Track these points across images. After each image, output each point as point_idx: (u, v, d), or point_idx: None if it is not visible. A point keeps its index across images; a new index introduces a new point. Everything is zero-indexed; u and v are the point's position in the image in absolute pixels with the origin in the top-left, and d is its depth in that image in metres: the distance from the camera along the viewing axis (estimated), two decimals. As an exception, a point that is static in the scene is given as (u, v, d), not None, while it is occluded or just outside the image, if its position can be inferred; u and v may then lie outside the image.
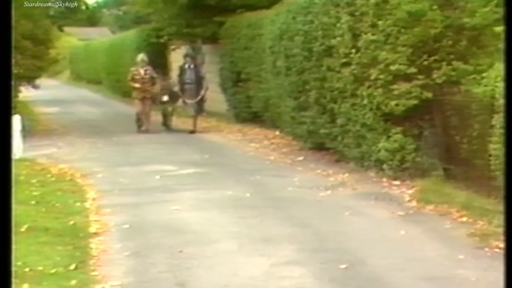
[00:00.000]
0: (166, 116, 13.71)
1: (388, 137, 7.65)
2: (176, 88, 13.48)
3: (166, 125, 13.68)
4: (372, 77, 7.64)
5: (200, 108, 13.29)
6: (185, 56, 13.69)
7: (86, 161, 10.00)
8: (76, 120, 16.66)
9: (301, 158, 9.69)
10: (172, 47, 17.45)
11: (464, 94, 6.77)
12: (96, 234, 5.86)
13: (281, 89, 10.65)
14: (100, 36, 37.39)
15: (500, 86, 5.63)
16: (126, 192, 7.67)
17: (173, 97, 13.50)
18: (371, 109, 7.82)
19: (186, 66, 13.32)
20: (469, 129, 6.63)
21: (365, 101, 7.86)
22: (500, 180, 5.58)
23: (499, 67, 5.83)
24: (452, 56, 7.19)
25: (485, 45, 6.88)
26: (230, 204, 6.93)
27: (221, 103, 14.69)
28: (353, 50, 7.92)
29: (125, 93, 23.63)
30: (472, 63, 6.91)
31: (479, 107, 6.37)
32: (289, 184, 7.84)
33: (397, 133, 7.60)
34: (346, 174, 8.23)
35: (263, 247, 5.35)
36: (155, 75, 13.72)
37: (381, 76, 7.52)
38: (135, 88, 13.54)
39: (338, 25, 8.27)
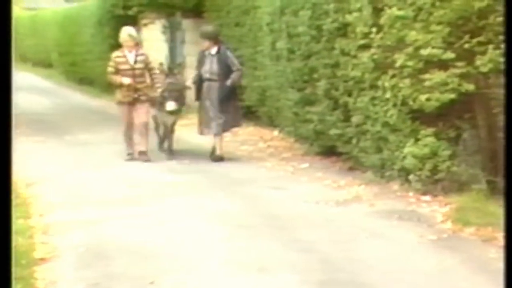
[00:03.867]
0: (166, 133, 10.64)
1: (417, 140, 7.66)
2: (188, 83, 10.76)
3: (168, 146, 10.62)
4: (398, 64, 7.64)
5: (231, 119, 10.36)
6: (202, 35, 10.51)
7: (32, 165, 9.95)
8: (18, 114, 16.47)
9: (305, 165, 9.70)
10: (144, 21, 17.43)
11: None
12: (43, 260, 5.83)
13: (282, 77, 10.65)
14: (51, 5, 37.34)
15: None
16: (83, 206, 7.66)
17: (182, 101, 10.47)
18: (395, 105, 7.83)
19: (206, 52, 10.34)
20: (521, 132, 6.63)
21: (388, 94, 7.87)
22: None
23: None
24: (501, 38, 7.18)
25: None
26: (216, 222, 6.92)
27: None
28: (374, 29, 7.93)
29: (82, 80, 23.78)
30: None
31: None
32: (290, 198, 7.86)
33: (428, 135, 7.61)
34: (362, 186, 8.25)
35: (258, 277, 5.34)
36: (151, 63, 10.57)
37: (409, 63, 7.52)
38: (121, 86, 10.26)
39: (356, -4, 8.28)
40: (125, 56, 10.29)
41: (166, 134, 10.58)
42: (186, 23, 15.95)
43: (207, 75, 10.20)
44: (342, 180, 8.63)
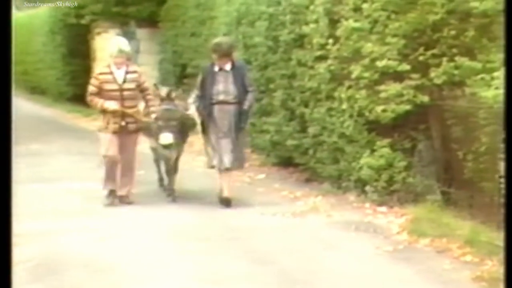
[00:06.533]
0: (169, 171, 8.48)
1: (373, 151, 7.73)
2: (191, 109, 8.31)
3: (168, 185, 8.57)
4: (354, 75, 7.71)
5: (238, 156, 8.25)
6: (215, 48, 8.17)
7: (-18, 176, 9.79)
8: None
9: (262, 176, 9.72)
10: (97, 30, 17.31)
11: (470, 99, 6.87)
12: (-8, 273, 5.72)
13: (238, 87, 10.65)
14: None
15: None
16: (34, 217, 7.55)
17: (184, 132, 8.34)
18: (351, 116, 7.89)
19: (216, 68, 8.19)
20: (475, 143, 6.72)
21: (344, 105, 7.94)
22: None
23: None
24: (455, 50, 7.28)
25: (498, 36, 6.96)
26: (172, 234, 6.89)
27: (159, 104, 14.61)
28: (331, 41, 8.00)
29: (34, 89, 23.49)
30: (480, 59, 6.99)
31: (488, 115, 6.46)
32: (247, 210, 7.86)
33: (383, 146, 7.68)
34: (319, 197, 8.28)
35: (214, 290, 5.32)
36: (145, 83, 8.37)
37: (365, 74, 7.60)
38: (104, 111, 8.07)
39: (312, 7, 8.35)
40: (111, 73, 8.07)
41: (167, 171, 8.53)
42: (141, 33, 15.88)
43: (220, 97, 8.07)
44: (299, 191, 8.65)
